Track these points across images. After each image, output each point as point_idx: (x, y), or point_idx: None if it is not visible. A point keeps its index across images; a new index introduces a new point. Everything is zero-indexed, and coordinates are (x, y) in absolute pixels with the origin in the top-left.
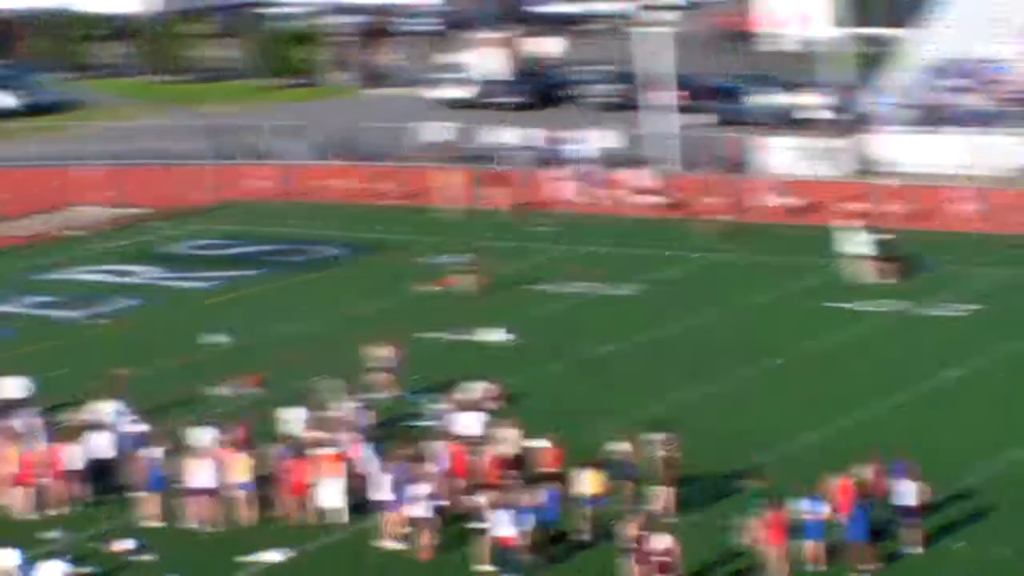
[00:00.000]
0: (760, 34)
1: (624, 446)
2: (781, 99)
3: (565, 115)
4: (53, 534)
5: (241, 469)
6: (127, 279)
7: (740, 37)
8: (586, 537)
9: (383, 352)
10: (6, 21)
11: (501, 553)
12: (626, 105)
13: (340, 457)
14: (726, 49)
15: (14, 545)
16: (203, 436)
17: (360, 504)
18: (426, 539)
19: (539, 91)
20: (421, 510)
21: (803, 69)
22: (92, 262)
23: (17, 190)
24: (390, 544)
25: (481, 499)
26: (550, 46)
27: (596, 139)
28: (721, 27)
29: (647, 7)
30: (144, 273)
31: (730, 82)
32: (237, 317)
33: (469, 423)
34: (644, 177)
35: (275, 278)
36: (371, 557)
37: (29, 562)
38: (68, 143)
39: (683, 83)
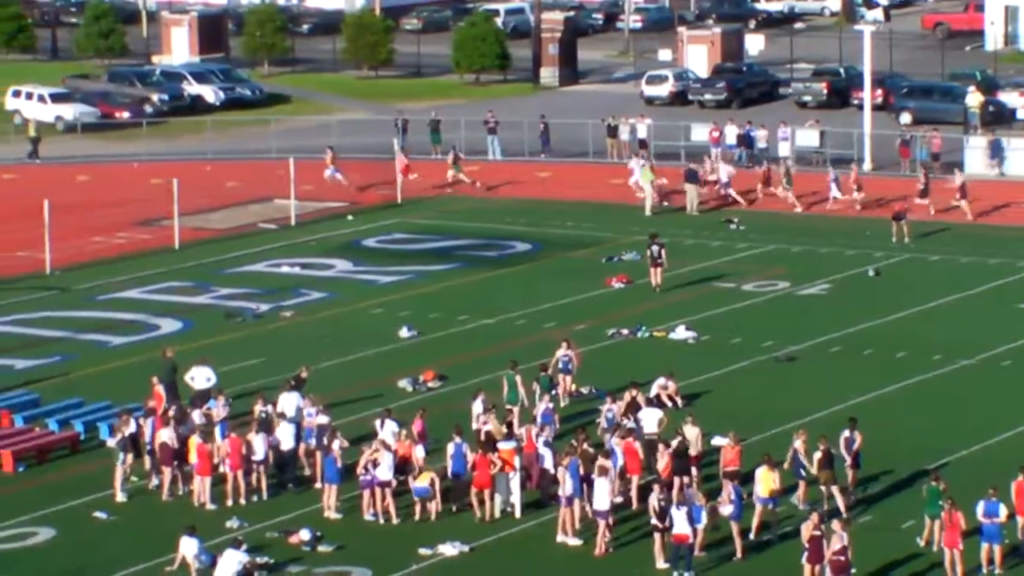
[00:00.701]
0: (981, 33)
1: (800, 445)
2: (1000, 98)
3: (767, 112)
4: (232, 523)
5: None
6: (319, 272)
7: (959, 35)
8: (769, 537)
9: (565, 348)
10: (216, 16)
11: (676, 551)
12: (832, 103)
13: (518, 452)
14: (944, 47)
15: (194, 534)
16: (387, 429)
17: (537, 500)
18: (602, 536)
19: (740, 88)
20: (597, 506)
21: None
22: (286, 255)
23: (216, 183)
24: (566, 540)
25: (657, 496)
26: (755, 43)
27: (799, 137)
28: (939, 25)
29: (862, 4)
30: (336, 266)
31: (947, 81)
32: (426, 311)
33: (647, 420)
34: (846, 175)
35: (466, 273)
36: (547, 553)
37: (208, 551)
38: (269, 138)
39: (894, 82)
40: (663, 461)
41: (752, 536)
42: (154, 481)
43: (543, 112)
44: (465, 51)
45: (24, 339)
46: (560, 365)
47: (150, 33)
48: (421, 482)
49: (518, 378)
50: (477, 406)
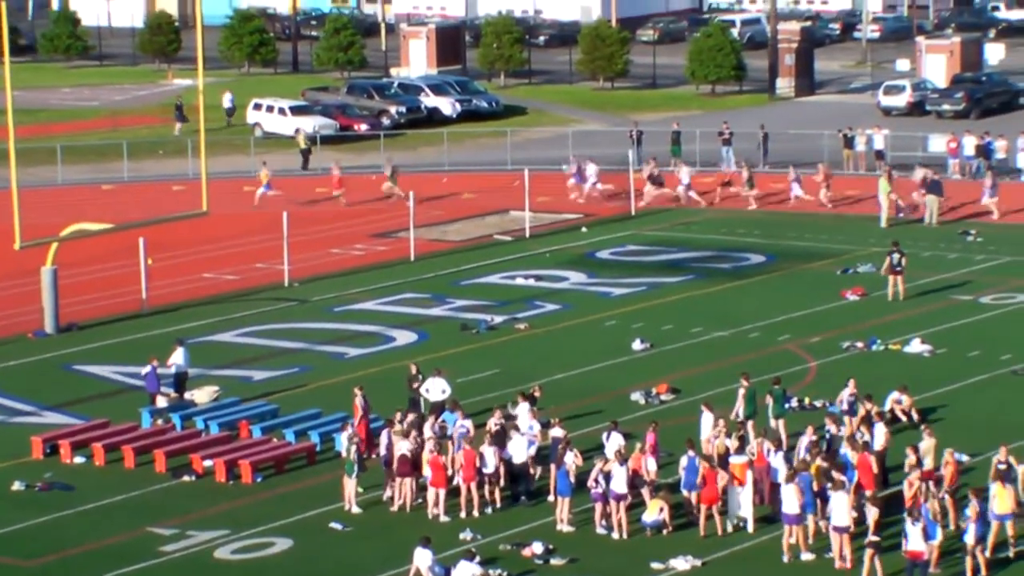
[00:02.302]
0: None
1: None
2: None
3: (1007, 123)
4: (466, 535)
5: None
6: (553, 284)
7: None
8: (1010, 554)
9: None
10: (453, 28)
11: (911, 567)
12: None
13: (750, 465)
14: None
15: (428, 545)
16: (614, 442)
17: (770, 514)
18: (840, 551)
19: (979, 99)
20: (836, 522)
21: None
22: (519, 267)
23: (452, 194)
24: (801, 555)
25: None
26: (995, 52)
27: None
28: None
29: None
30: (570, 278)
31: None
32: (659, 323)
33: (877, 434)
34: None
35: (700, 285)
36: (780, 567)
37: (442, 563)
38: (505, 149)
39: None
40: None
41: (988, 554)
42: (387, 492)
43: (779, 123)
44: (701, 62)
45: (262, 350)
46: (846, 406)
47: (389, 46)
48: (651, 514)
49: (751, 391)
50: (706, 419)
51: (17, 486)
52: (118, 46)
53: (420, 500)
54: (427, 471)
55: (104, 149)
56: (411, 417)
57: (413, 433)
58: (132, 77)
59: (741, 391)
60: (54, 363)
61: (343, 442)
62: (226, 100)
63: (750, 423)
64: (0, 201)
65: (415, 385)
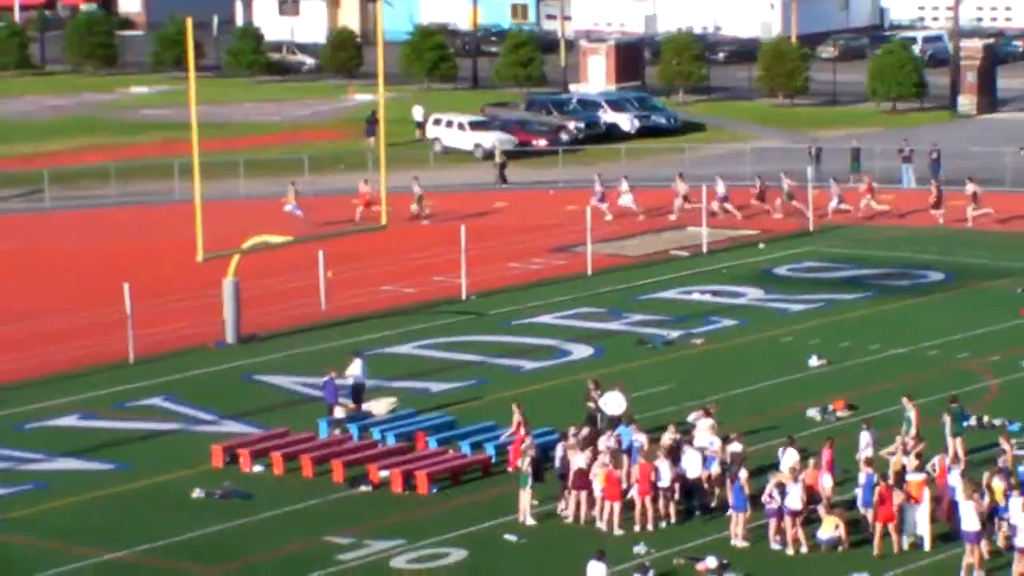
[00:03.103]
0: None
1: None
2: None
3: None
4: (639, 549)
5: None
6: (730, 300)
7: None
8: None
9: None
10: (633, 45)
11: None
12: None
13: (928, 484)
14: None
15: (603, 559)
16: (789, 458)
17: (948, 533)
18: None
19: None
20: (1018, 541)
21: None
22: (696, 282)
23: (630, 210)
24: (973, 574)
25: None
26: None
27: None
28: None
29: None
30: (747, 294)
31: None
32: (837, 340)
33: None
34: None
35: (878, 301)
36: None
37: None
38: (683, 165)
39: None
40: None
41: None
42: (562, 505)
43: (960, 140)
44: (882, 79)
45: (440, 363)
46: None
47: (568, 62)
48: (827, 531)
49: (911, 409)
50: (864, 437)
51: (197, 494)
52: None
53: (592, 514)
54: (600, 485)
55: (286, 163)
56: (585, 431)
57: (588, 448)
58: (314, 92)
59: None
60: (234, 373)
61: (520, 455)
62: (417, 113)
63: (958, 440)
64: (184, 214)
65: (591, 403)
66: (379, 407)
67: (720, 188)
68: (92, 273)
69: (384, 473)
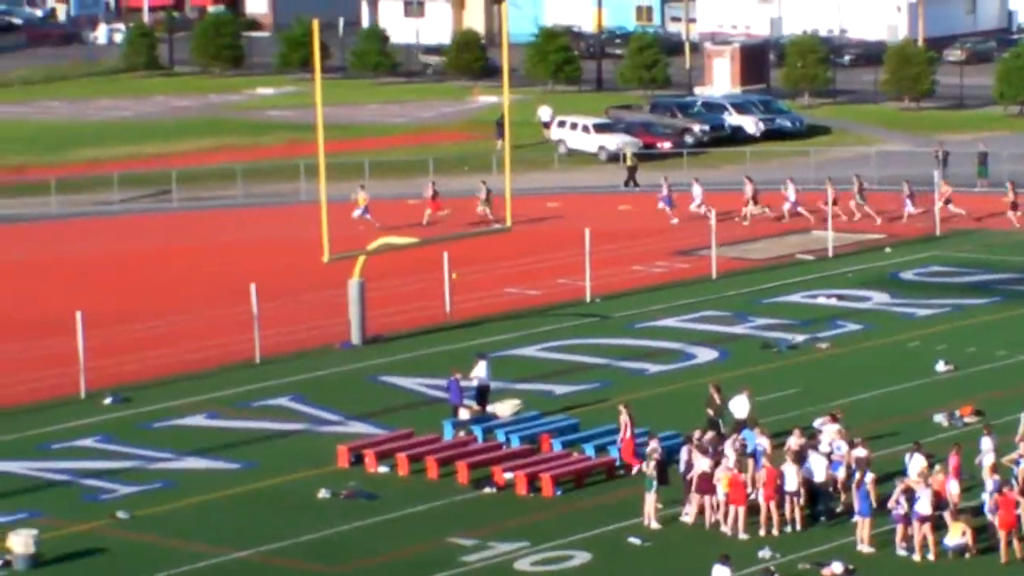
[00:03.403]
0: None
1: None
2: None
3: None
4: (764, 554)
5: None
6: (856, 304)
7: None
8: None
9: None
10: (758, 47)
11: None
12: None
13: None
14: None
15: (728, 562)
16: (916, 463)
17: None
18: None
19: None
20: None
21: None
22: (822, 286)
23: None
24: None
25: None
26: None
27: None
28: None
29: None
30: (873, 298)
31: None
32: (964, 345)
33: None
34: None
35: (1006, 307)
36: None
37: None
38: (807, 168)
39: None
40: None
41: None
42: (685, 509)
43: None
44: (1009, 82)
45: (564, 365)
46: None
47: (693, 64)
48: (953, 537)
49: None
50: (986, 443)
51: (323, 494)
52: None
53: (716, 518)
54: (724, 489)
55: (410, 165)
56: (709, 435)
57: (710, 452)
58: (438, 94)
59: None
60: (360, 374)
61: (646, 458)
62: (544, 113)
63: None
64: (309, 215)
65: (711, 411)
66: (504, 409)
67: (791, 193)
68: (219, 273)
69: (508, 475)
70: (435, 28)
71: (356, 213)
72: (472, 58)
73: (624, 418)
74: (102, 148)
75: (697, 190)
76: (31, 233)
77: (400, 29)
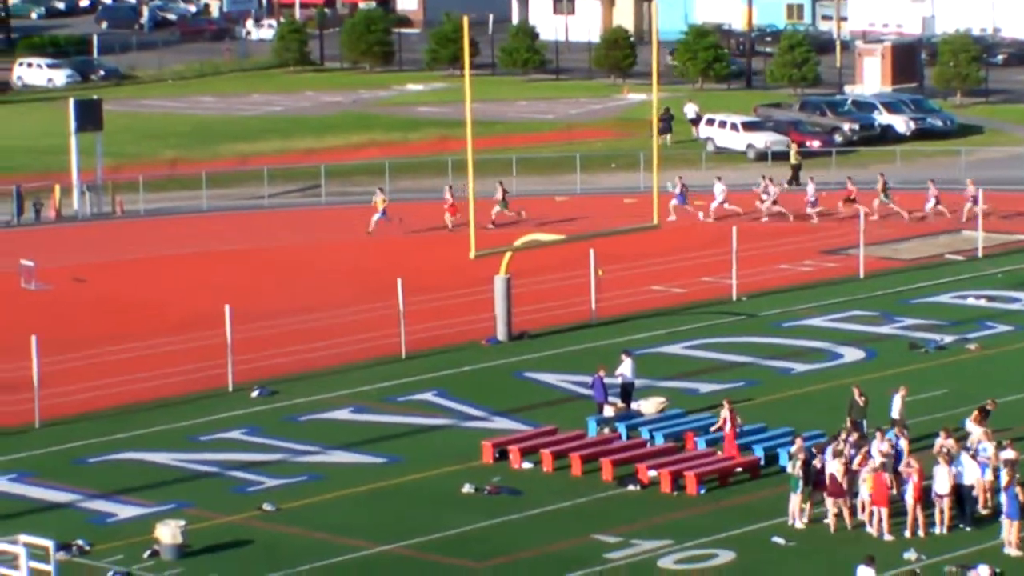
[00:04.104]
0: None
1: None
2: None
3: None
4: (910, 555)
5: None
6: (1005, 305)
7: None
8: None
9: None
10: (909, 46)
11: None
12: None
13: None
14: None
15: (872, 564)
16: None
17: None
18: None
19: None
20: None
21: None
22: (971, 287)
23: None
24: None
25: None
26: None
27: None
28: None
29: None
30: (1023, 300)
31: None
32: None
33: None
34: None
35: None
36: None
37: None
38: (958, 168)
39: None
40: None
41: None
42: (828, 510)
43: None
44: None
45: (710, 363)
46: None
47: (843, 63)
48: None
49: None
50: None
51: (467, 489)
52: (574, 60)
53: (861, 518)
54: (869, 490)
55: (557, 161)
56: (854, 437)
57: (844, 454)
58: (587, 91)
59: None
60: (505, 370)
61: (791, 458)
62: (690, 111)
63: None
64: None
65: (854, 412)
66: (648, 407)
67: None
68: (365, 268)
69: (653, 473)
70: (584, 25)
71: (376, 217)
72: (621, 55)
73: (725, 412)
74: (252, 143)
75: (719, 188)
76: (183, 227)
77: (549, 26)
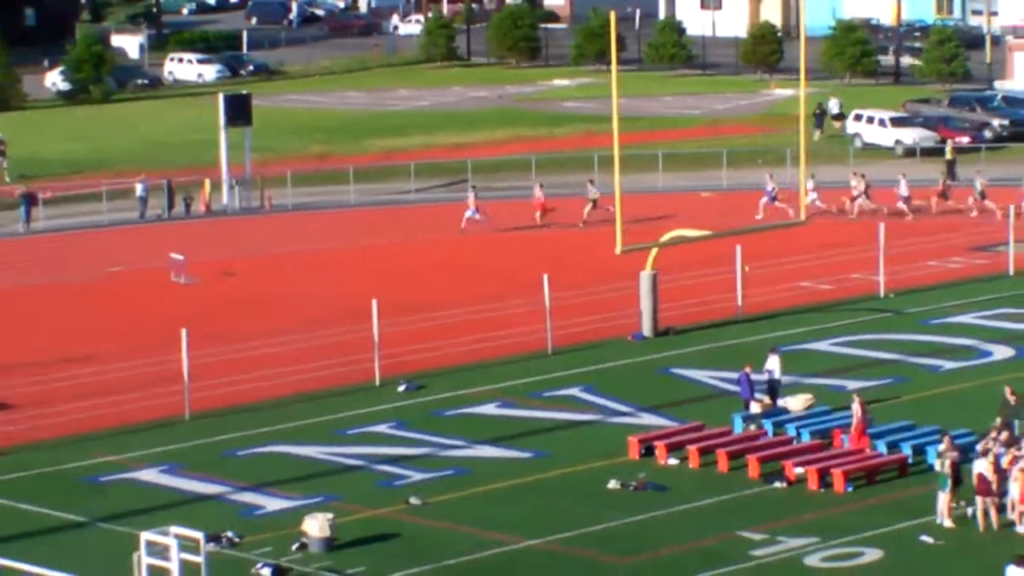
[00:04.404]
0: None
1: None
2: None
3: None
4: None
5: None
6: None
7: None
8: None
9: None
10: None
11: None
12: None
13: None
14: None
15: (1022, 564)
16: None
17: None
18: None
19: None
20: None
21: None
22: None
23: None
24: None
25: None
26: None
27: None
28: None
29: None
30: None
31: None
32: None
33: None
34: None
35: None
36: None
37: None
38: None
39: None
40: None
41: None
42: (970, 509)
43: None
44: None
45: (857, 360)
46: None
47: (993, 58)
48: None
49: None
50: None
51: (613, 485)
52: (722, 55)
53: (1012, 517)
54: (1020, 489)
55: (703, 157)
56: (1004, 436)
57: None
58: (734, 86)
59: None
60: (651, 366)
61: (939, 456)
62: (833, 105)
63: None
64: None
65: (1005, 411)
66: (795, 403)
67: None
68: (511, 263)
69: (799, 470)
70: (731, 20)
71: (467, 214)
72: (768, 51)
73: (855, 406)
74: (399, 138)
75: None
76: (330, 221)
77: (696, 21)
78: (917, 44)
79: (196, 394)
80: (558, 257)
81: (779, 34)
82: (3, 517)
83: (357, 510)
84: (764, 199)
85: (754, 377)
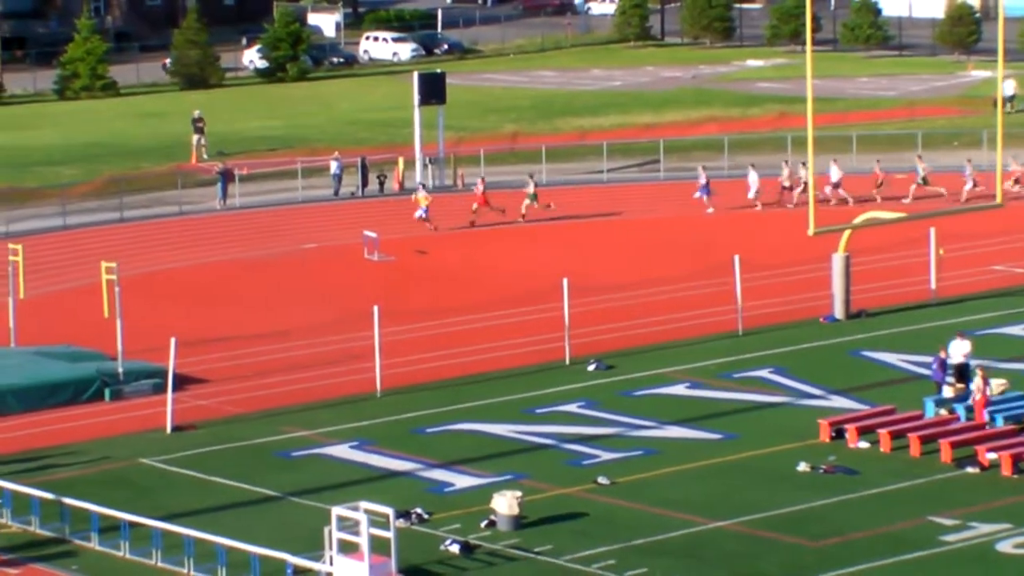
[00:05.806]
0: None
1: None
2: None
3: None
4: None
5: None
6: None
7: None
8: None
9: None
10: None
11: None
12: None
13: None
14: None
15: None
16: None
17: None
18: None
19: None
20: None
21: None
22: None
23: None
24: None
25: None
26: None
27: None
28: None
29: None
30: None
31: None
32: None
33: None
34: None
35: None
36: None
37: None
38: None
39: None
40: None
41: None
42: None
43: None
44: None
45: None
46: None
47: None
48: None
49: None
50: None
51: (802, 467)
52: (918, 36)
53: None
54: None
55: (898, 139)
56: None
57: None
58: (930, 68)
59: None
60: (842, 348)
61: None
62: (1008, 87)
63: None
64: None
65: None
66: (989, 388)
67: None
68: (702, 244)
69: (992, 455)
70: (928, 1)
71: (417, 214)
72: (965, 32)
73: (978, 381)
74: (592, 118)
75: (753, 177)
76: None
77: (892, 2)
78: None
79: (388, 371)
80: (753, 238)
81: (977, 15)
82: (196, 490)
83: (546, 488)
84: (698, 193)
85: (948, 362)
